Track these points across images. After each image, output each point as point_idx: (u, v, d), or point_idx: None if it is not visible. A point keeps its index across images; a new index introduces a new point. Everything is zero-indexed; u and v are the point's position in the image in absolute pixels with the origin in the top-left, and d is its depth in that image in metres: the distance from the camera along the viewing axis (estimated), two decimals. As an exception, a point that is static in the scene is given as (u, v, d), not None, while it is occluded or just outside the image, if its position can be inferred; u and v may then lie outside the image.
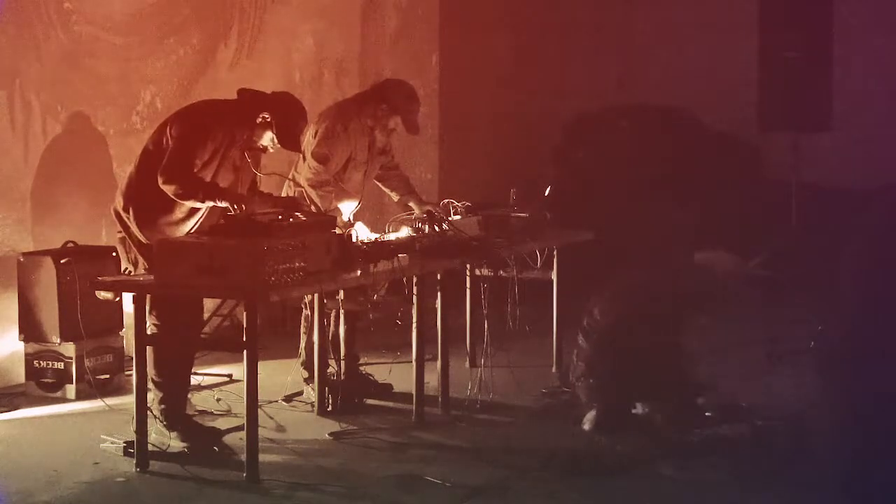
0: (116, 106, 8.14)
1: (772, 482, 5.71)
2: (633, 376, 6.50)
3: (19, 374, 7.30)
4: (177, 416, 6.25)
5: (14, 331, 7.29)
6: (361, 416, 6.82)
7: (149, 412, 6.00)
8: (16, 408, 7.00)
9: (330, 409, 6.82)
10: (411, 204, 7.24)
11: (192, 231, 6.21)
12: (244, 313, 5.73)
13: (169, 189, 6.05)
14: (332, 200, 6.85)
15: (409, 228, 6.81)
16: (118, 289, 6.61)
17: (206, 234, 5.99)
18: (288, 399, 7.06)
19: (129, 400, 6.09)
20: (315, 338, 6.78)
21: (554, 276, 7.71)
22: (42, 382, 7.23)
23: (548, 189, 7.76)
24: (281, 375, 7.18)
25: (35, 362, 7.24)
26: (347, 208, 6.73)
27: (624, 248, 7.84)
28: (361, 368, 7.33)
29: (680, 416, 6.50)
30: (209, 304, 6.52)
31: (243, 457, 5.78)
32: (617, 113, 11.33)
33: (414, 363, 6.72)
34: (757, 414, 6.57)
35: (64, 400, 7.15)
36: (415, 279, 6.59)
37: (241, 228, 5.81)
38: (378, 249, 6.31)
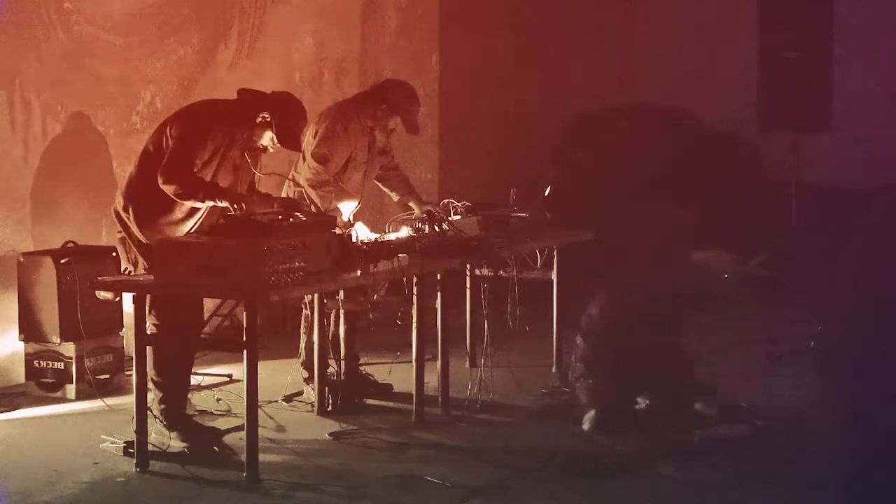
0: (116, 106, 8.14)
1: (772, 482, 5.71)
2: (633, 376, 6.51)
3: (19, 374, 7.30)
4: (177, 416, 6.25)
5: (14, 331, 7.29)
6: (361, 416, 6.82)
7: (149, 412, 6.00)
8: (16, 408, 7.00)
9: (330, 409, 6.82)
10: (411, 204, 7.24)
11: (191, 231, 6.21)
12: (244, 313, 5.73)
13: (169, 189, 6.05)
14: (332, 200, 6.85)
15: (409, 228, 6.81)
16: (118, 289, 6.61)
17: (206, 234, 5.99)
18: (288, 399, 7.06)
19: (129, 400, 6.09)
20: (315, 338, 6.78)
21: (554, 276, 7.71)
22: (42, 382, 7.23)
23: (548, 189, 7.76)
24: (281, 375, 7.18)
25: (35, 362, 7.24)
26: (347, 208, 6.73)
27: (624, 248, 7.83)
28: (361, 368, 7.33)
29: (680, 416, 6.50)
30: (209, 304, 6.52)
31: (243, 457, 5.78)
32: (617, 113, 11.33)
33: (414, 363, 6.72)
34: (757, 414, 6.57)
35: (64, 400, 7.15)
36: (415, 279, 6.59)
37: (241, 228, 5.80)
38: (378, 249, 6.31)
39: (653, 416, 6.51)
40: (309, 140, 6.93)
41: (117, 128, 8.12)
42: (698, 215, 10.06)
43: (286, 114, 6.28)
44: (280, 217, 5.98)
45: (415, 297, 6.63)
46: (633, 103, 11.29)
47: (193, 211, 6.22)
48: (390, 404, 7.07)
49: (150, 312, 6.11)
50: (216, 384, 7.37)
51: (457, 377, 7.07)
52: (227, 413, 6.78)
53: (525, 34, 11.82)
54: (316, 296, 6.64)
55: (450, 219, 6.91)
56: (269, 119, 6.21)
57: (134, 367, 5.96)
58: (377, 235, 6.59)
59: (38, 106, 7.62)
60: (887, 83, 10.63)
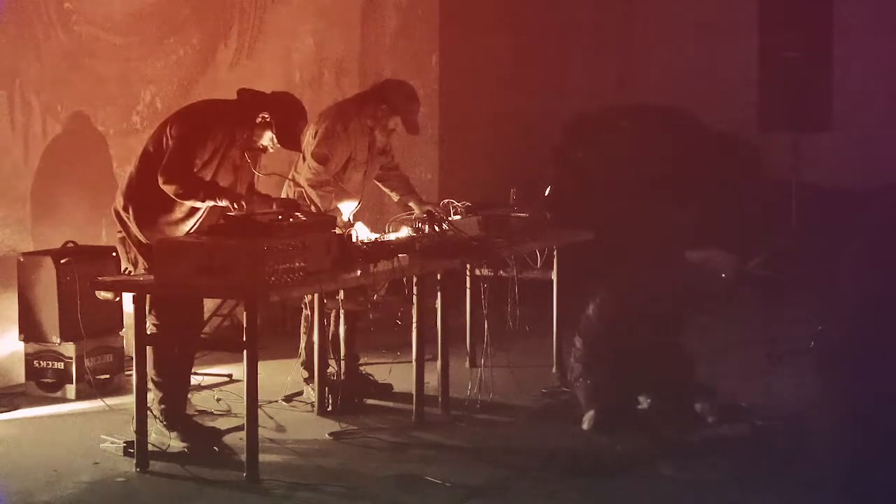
0: (116, 106, 8.14)
1: (772, 482, 5.71)
2: (633, 376, 6.51)
3: (19, 374, 7.31)
4: (177, 416, 6.25)
5: (14, 331, 7.29)
6: (361, 416, 6.82)
7: (149, 412, 6.00)
8: (16, 408, 7.00)
9: (330, 409, 6.82)
10: (411, 204, 7.24)
11: (191, 231, 6.21)
12: (244, 313, 5.73)
13: (169, 189, 6.05)
14: (332, 200, 6.85)
15: (409, 228, 6.81)
16: (118, 289, 6.61)
17: (206, 234, 5.99)
18: (288, 399, 7.06)
19: (129, 400, 6.09)
20: (315, 338, 6.78)
21: (554, 276, 7.71)
22: (42, 382, 7.23)
23: (548, 189, 7.76)
24: (281, 375, 7.18)
25: (35, 362, 7.24)
26: (347, 208, 6.73)
27: (624, 248, 7.83)
28: (361, 368, 7.33)
29: (680, 416, 6.50)
30: (209, 304, 6.52)
31: (243, 457, 5.78)
32: (617, 113, 11.32)
33: (414, 363, 6.72)
34: (757, 414, 6.57)
35: (64, 400, 7.15)
36: (415, 279, 6.59)
37: (241, 228, 5.80)
38: (378, 249, 6.31)
39: (653, 416, 6.51)
40: (309, 140, 6.93)
41: (117, 128, 8.12)
42: (698, 215, 10.06)
43: (286, 114, 6.28)
44: (280, 217, 5.98)
45: (415, 297, 6.63)
46: (633, 103, 11.29)
47: (193, 211, 6.22)
48: (390, 404, 7.07)
49: (150, 312, 6.11)
50: (216, 384, 7.37)
51: (457, 377, 7.07)
52: (227, 413, 6.78)
53: (525, 34, 11.82)
54: (316, 296, 6.64)
55: (450, 219, 6.91)
56: (268, 119, 6.21)
57: (134, 367, 5.96)
58: (377, 235, 6.59)
59: (38, 106, 7.63)
60: (887, 83, 10.63)
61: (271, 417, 6.66)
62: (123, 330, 7.35)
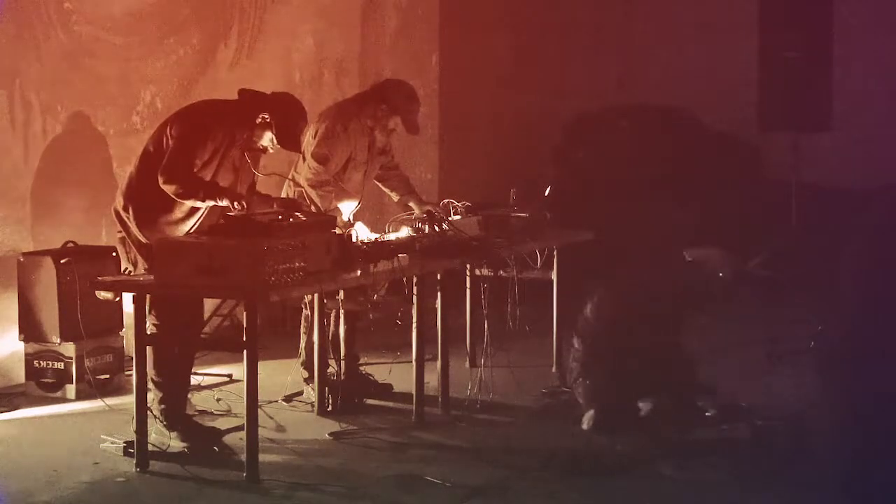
0: (116, 106, 8.14)
1: (772, 482, 5.71)
2: (633, 376, 6.51)
3: (19, 374, 7.30)
4: (177, 416, 6.25)
5: (14, 331, 7.29)
6: (361, 416, 6.82)
7: (149, 412, 6.00)
8: (16, 408, 7.00)
9: (330, 409, 6.82)
10: (411, 204, 7.24)
11: (191, 231, 6.21)
12: (244, 313, 5.73)
13: (169, 189, 6.05)
14: (332, 200, 6.85)
15: (409, 228, 6.81)
16: (118, 289, 6.61)
17: (206, 234, 5.99)
18: (288, 399, 7.06)
19: (129, 400, 6.09)
20: (315, 338, 6.78)
21: (554, 276, 7.71)
22: (42, 382, 7.23)
23: (548, 189, 7.76)
24: (281, 375, 7.18)
25: (35, 362, 7.24)
26: (347, 208, 6.73)
27: (624, 248, 7.83)
28: (361, 368, 7.33)
29: (680, 416, 6.50)
30: (209, 304, 6.52)
31: (243, 457, 5.78)
32: (617, 113, 11.32)
33: (414, 363, 6.72)
34: (757, 414, 6.56)
35: (64, 400, 7.15)
36: (415, 279, 6.59)
37: (241, 228, 5.80)
38: (378, 249, 6.31)
39: (653, 416, 6.51)
40: (309, 140, 6.93)
41: (117, 128, 8.12)
42: (698, 215, 10.06)
43: (286, 114, 6.28)
44: (280, 217, 5.98)
45: (415, 297, 6.63)
46: (633, 103, 11.29)
47: (193, 211, 6.22)
48: (390, 404, 7.07)
49: (150, 312, 6.11)
50: (216, 384, 7.37)
51: (457, 377, 7.07)
52: (227, 413, 6.78)
53: (525, 34, 11.82)
54: (316, 296, 6.64)
55: (450, 219, 6.91)
56: (268, 120, 6.21)
57: (134, 367, 5.96)
58: (377, 235, 6.59)
59: (37, 106, 7.63)
60: (887, 83, 10.63)
61: (271, 417, 6.66)
62: (123, 330, 7.35)
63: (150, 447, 5.94)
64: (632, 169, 10.55)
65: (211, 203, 6.12)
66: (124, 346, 7.34)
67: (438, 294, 6.78)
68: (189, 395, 6.54)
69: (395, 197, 7.40)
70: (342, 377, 7.05)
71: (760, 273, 9.59)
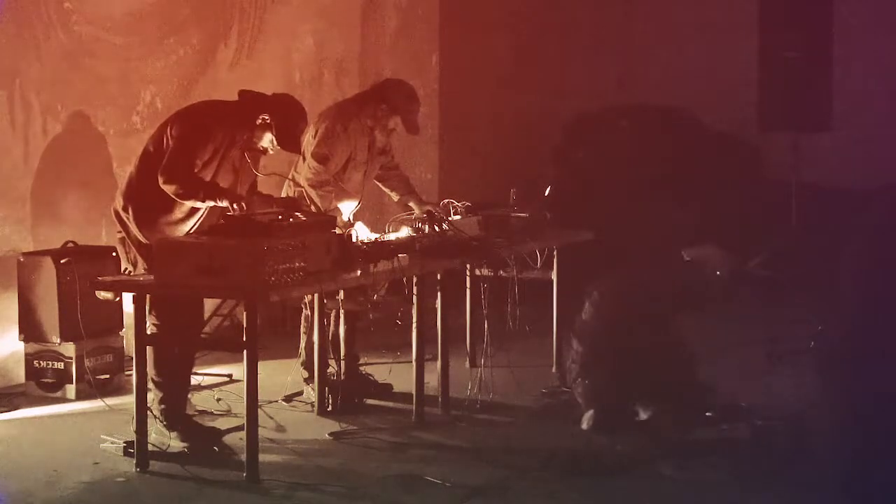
0: (116, 106, 8.14)
1: (772, 482, 5.71)
2: (633, 376, 6.51)
3: (19, 374, 7.31)
4: (177, 416, 6.25)
5: (14, 331, 7.29)
6: (361, 416, 6.82)
7: (149, 412, 6.00)
8: (16, 408, 7.00)
9: (330, 409, 6.82)
10: (411, 204, 7.24)
11: (191, 231, 6.21)
12: (244, 313, 5.73)
13: (169, 189, 6.05)
14: (332, 200, 6.85)
15: (409, 228, 6.81)
16: (118, 289, 6.60)
17: (206, 234, 5.99)
18: (288, 399, 7.06)
19: (129, 400, 6.09)
20: (315, 338, 6.78)
21: (554, 276, 7.71)
22: (42, 382, 7.23)
23: (548, 189, 7.76)
24: (281, 375, 7.18)
25: (35, 362, 7.24)
26: (347, 208, 6.73)
27: (624, 248, 7.83)
28: (361, 368, 7.33)
29: (680, 416, 6.50)
30: (209, 304, 6.52)
31: (243, 457, 5.78)
32: (617, 113, 11.32)
33: (414, 363, 6.72)
34: (757, 414, 6.56)
35: (64, 400, 7.15)
36: (415, 279, 6.59)
37: (241, 228, 5.80)
38: (378, 249, 6.31)
39: (653, 417, 6.50)
40: (309, 140, 6.93)
41: (117, 128, 8.12)
42: (698, 215, 10.06)
43: (286, 116, 6.28)
44: (280, 217, 5.98)
45: (415, 297, 6.63)
46: (633, 103, 11.28)
47: (193, 211, 6.22)
48: (390, 404, 7.07)
49: (150, 312, 6.11)
50: (216, 384, 7.37)
51: (457, 377, 7.07)
52: (227, 413, 6.78)
53: (525, 34, 11.81)
54: (316, 296, 6.64)
55: (450, 219, 6.91)
56: (269, 121, 6.21)
57: (134, 367, 5.96)
58: (377, 235, 6.59)
59: (38, 106, 7.63)
60: (887, 83, 10.62)
61: (271, 417, 6.66)
62: (123, 330, 7.35)
63: (150, 447, 5.95)
64: (632, 169, 10.55)
65: (211, 203, 6.12)
66: (124, 346, 7.34)
67: (438, 294, 6.78)
68: (189, 395, 6.54)
69: (395, 197, 7.40)
70: (342, 377, 7.05)
71: (760, 273, 9.59)
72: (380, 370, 7.39)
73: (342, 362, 7.08)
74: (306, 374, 7.04)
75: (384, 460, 6.13)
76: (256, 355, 5.71)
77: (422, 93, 8.26)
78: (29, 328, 7.24)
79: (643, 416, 6.49)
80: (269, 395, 6.88)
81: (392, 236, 6.67)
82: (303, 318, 7.10)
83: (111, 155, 8.06)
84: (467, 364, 7.77)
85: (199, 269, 5.64)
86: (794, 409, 6.47)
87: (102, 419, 6.68)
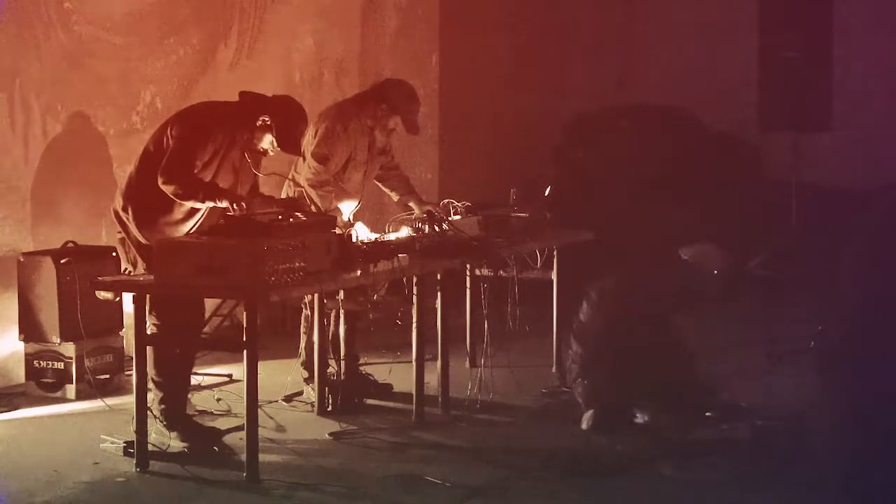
0: (116, 106, 8.14)
1: (772, 482, 5.71)
2: (632, 376, 6.51)
3: (19, 374, 7.31)
4: (177, 416, 6.25)
5: (14, 331, 7.29)
6: (361, 416, 6.82)
7: (149, 412, 6.00)
8: (16, 408, 7.00)
9: (330, 409, 6.82)
10: (411, 204, 7.24)
11: (191, 231, 6.21)
12: (244, 313, 5.73)
13: (169, 189, 6.05)
14: (332, 200, 6.85)
15: (409, 228, 6.81)
16: (118, 289, 6.61)
17: (206, 234, 5.99)
18: (288, 399, 7.06)
19: (129, 400, 6.09)
20: (315, 338, 6.78)
21: (554, 276, 7.72)
22: (42, 382, 7.23)
23: (548, 189, 7.76)
24: (281, 375, 7.18)
25: (35, 362, 7.24)
26: (347, 208, 6.73)
27: (624, 248, 7.83)
28: (361, 368, 7.33)
29: (680, 417, 6.50)
30: (209, 304, 6.52)
31: (243, 457, 5.78)
32: (617, 113, 11.33)
33: (414, 363, 6.72)
34: (757, 414, 6.56)
35: (64, 400, 7.15)
36: (415, 279, 6.59)
37: (241, 228, 5.80)
38: (378, 249, 6.31)
39: (653, 417, 6.50)
40: (309, 140, 6.93)
41: (117, 128, 8.12)
42: (698, 215, 10.05)
43: (286, 117, 6.28)
44: (280, 217, 5.98)
45: (415, 297, 6.63)
46: (633, 103, 11.29)
47: (193, 211, 6.22)
48: (390, 404, 7.07)
49: (150, 312, 6.11)
50: (216, 384, 7.37)
51: (457, 377, 7.07)
52: (227, 413, 6.78)
53: (525, 34, 11.82)
54: (316, 296, 6.64)
55: (450, 219, 6.91)
56: (269, 122, 6.21)
57: (134, 367, 5.96)
58: (377, 235, 6.59)
59: (38, 106, 7.62)
60: (887, 83, 10.63)
61: (271, 417, 6.66)
62: (123, 330, 7.35)
63: (150, 447, 5.95)
64: (632, 169, 10.55)
65: (210, 204, 6.12)
66: (124, 346, 7.34)
67: (438, 294, 6.78)
68: (189, 395, 6.54)
69: (395, 197, 7.40)
70: (342, 377, 7.05)
71: (760, 273, 9.60)
72: (380, 370, 7.39)
73: (342, 362, 7.08)
74: (306, 374, 7.04)
75: (384, 460, 6.13)
76: (256, 355, 5.72)
77: (422, 93, 8.26)
78: (29, 328, 7.24)
79: (641, 420, 6.49)
80: (269, 395, 6.88)
81: (392, 236, 6.67)
82: (303, 318, 7.10)
83: (111, 155, 8.05)
84: (467, 364, 7.77)
85: (199, 269, 5.64)
86: (794, 409, 6.48)
87: (102, 419, 6.68)
